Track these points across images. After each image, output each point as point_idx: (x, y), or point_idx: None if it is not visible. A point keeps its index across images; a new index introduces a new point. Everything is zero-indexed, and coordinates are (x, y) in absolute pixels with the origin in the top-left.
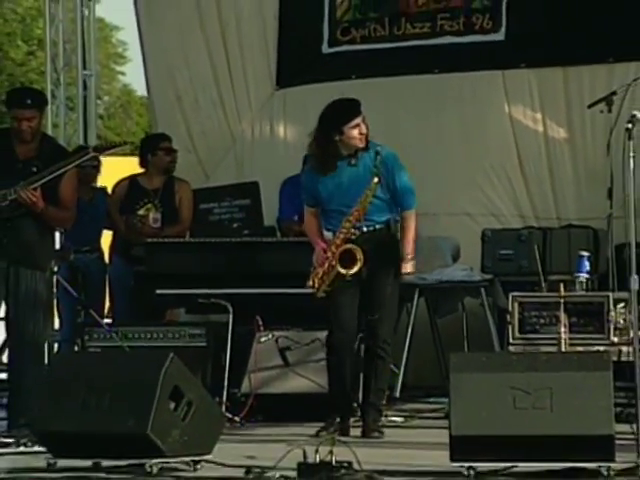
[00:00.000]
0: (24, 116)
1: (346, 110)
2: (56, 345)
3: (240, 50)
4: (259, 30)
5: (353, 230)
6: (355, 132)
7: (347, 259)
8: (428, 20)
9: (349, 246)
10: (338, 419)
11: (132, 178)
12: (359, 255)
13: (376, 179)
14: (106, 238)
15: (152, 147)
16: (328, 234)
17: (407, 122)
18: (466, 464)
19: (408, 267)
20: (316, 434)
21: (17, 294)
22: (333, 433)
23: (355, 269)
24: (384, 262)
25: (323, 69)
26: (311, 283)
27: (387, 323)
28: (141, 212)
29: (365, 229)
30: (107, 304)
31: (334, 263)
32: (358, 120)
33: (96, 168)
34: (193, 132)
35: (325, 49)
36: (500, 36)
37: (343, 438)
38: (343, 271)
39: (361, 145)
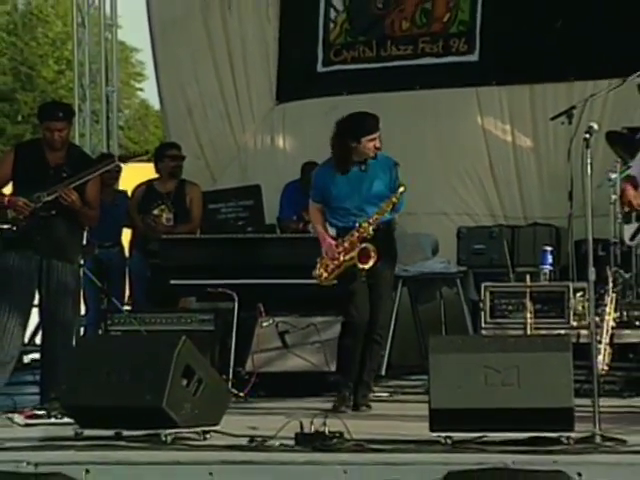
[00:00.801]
0: (56, 127)
1: (369, 123)
2: (82, 329)
3: (244, 69)
4: (261, 51)
5: (372, 231)
6: (371, 144)
7: (364, 255)
8: (411, 43)
9: (367, 245)
10: (347, 393)
11: (149, 183)
12: (374, 253)
13: (402, 188)
14: (126, 235)
15: (160, 154)
16: (331, 229)
17: (392, 133)
18: (443, 434)
19: None
20: (333, 408)
21: (49, 284)
22: (347, 407)
23: (371, 264)
24: (385, 258)
25: (318, 86)
26: (318, 272)
27: (385, 312)
28: (155, 212)
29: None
30: (127, 293)
31: (348, 258)
32: (376, 135)
33: (117, 173)
34: (202, 141)
35: (320, 68)
36: (474, 57)
37: (346, 409)
38: (361, 266)
39: (372, 155)
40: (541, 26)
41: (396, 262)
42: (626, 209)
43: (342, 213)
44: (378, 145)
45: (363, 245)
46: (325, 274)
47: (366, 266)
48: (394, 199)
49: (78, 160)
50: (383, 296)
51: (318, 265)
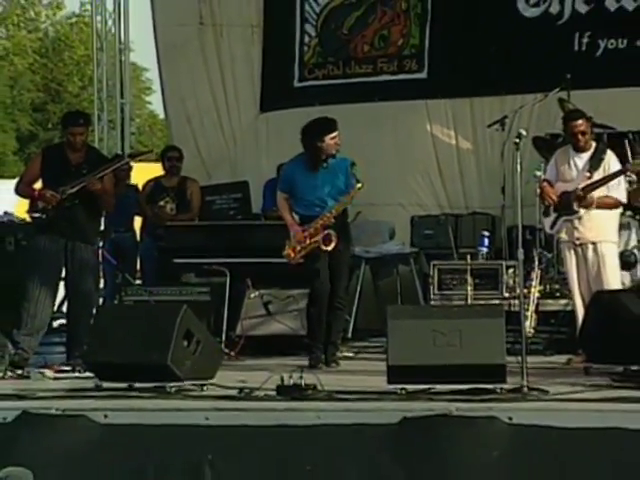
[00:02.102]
0: (77, 132)
1: (329, 124)
2: (101, 299)
3: (233, 84)
4: (247, 69)
5: (333, 220)
6: (333, 142)
7: (327, 239)
8: (371, 63)
9: (330, 231)
10: (319, 353)
11: (156, 179)
12: (335, 238)
13: (359, 185)
14: (138, 222)
15: (163, 155)
16: (295, 217)
17: (356, 138)
18: (399, 386)
19: None
20: (309, 365)
21: (73, 262)
22: (320, 364)
23: (332, 246)
24: (342, 242)
25: (294, 99)
26: (287, 253)
27: (343, 284)
28: (161, 203)
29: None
30: (138, 270)
31: (313, 241)
32: (336, 134)
33: (129, 171)
34: (199, 144)
35: (296, 84)
36: (423, 75)
37: (320, 366)
38: (324, 248)
39: (333, 152)
40: (478, 50)
41: (351, 244)
42: (546, 203)
43: (306, 204)
44: (339, 142)
45: (326, 232)
46: (293, 254)
47: (328, 248)
48: (352, 192)
49: (95, 159)
50: (342, 272)
51: (287, 247)
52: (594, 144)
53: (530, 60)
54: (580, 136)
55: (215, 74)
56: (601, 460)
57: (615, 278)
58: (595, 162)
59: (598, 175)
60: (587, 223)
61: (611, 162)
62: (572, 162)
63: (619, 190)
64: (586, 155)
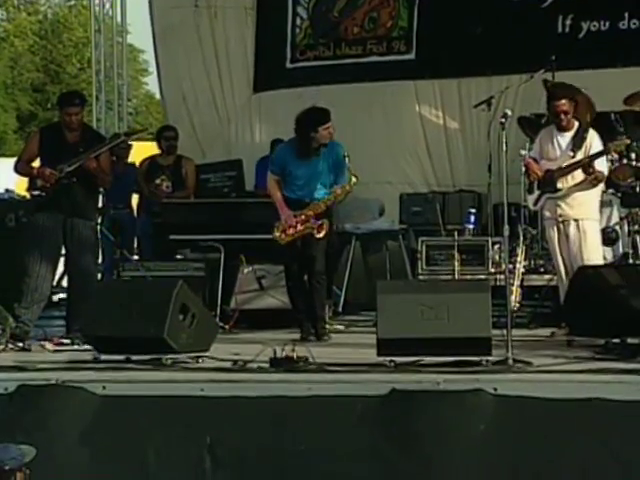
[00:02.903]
0: (73, 112)
1: (322, 115)
2: (100, 274)
3: (228, 65)
4: (241, 51)
5: (324, 208)
6: (326, 132)
7: (320, 227)
8: (360, 44)
9: (325, 220)
10: (310, 326)
11: (153, 157)
12: (326, 227)
13: (354, 179)
14: (135, 199)
15: (159, 135)
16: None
17: (346, 118)
18: (388, 358)
19: None
20: (300, 338)
21: (72, 238)
22: (311, 337)
23: (323, 234)
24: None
25: (287, 79)
26: (277, 234)
27: (320, 262)
28: (157, 182)
29: None
30: (135, 246)
31: (304, 228)
32: (329, 124)
33: (128, 149)
34: (195, 123)
35: (288, 65)
36: (412, 56)
37: (311, 338)
38: (317, 235)
39: (326, 142)
40: (465, 31)
41: (333, 224)
42: (531, 179)
43: (295, 189)
44: (332, 131)
45: (321, 221)
46: (283, 236)
47: (320, 235)
48: (347, 187)
49: (91, 138)
50: (318, 250)
51: (276, 229)
52: (577, 124)
53: (515, 41)
54: (562, 115)
55: (210, 55)
56: (583, 430)
57: (596, 254)
58: (578, 141)
59: (580, 154)
60: (569, 201)
61: (593, 142)
62: (555, 141)
63: (602, 164)
64: (569, 134)
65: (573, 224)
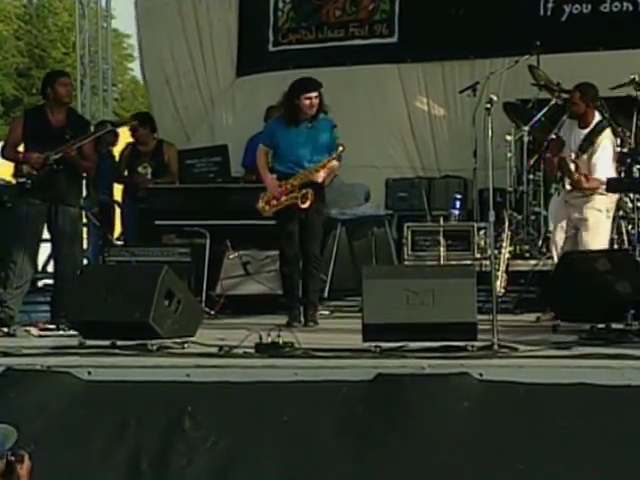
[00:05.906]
0: (68, 81)
1: (307, 84)
2: (85, 260)
3: (211, 48)
4: (224, 34)
5: (311, 178)
6: (307, 102)
7: (304, 197)
8: (342, 28)
9: (308, 189)
10: (297, 311)
11: (133, 143)
12: (311, 196)
13: (341, 148)
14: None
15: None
16: (274, 177)
17: (328, 100)
18: (374, 343)
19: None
20: (286, 324)
21: (57, 224)
22: (297, 322)
23: (308, 204)
24: (317, 201)
25: (269, 62)
26: (261, 206)
27: (316, 245)
28: (140, 169)
29: None
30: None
31: (290, 197)
32: (312, 95)
33: (116, 136)
34: (178, 106)
35: (270, 48)
36: (394, 39)
37: (297, 324)
38: (301, 205)
39: (309, 113)
40: (448, 14)
41: (325, 207)
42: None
43: (286, 161)
44: (314, 104)
45: (305, 190)
46: (267, 207)
47: (304, 206)
48: (335, 156)
49: (76, 122)
50: (314, 234)
51: (261, 199)
52: (595, 122)
53: (498, 24)
54: (570, 105)
55: (193, 38)
56: (568, 415)
57: (594, 245)
58: (587, 144)
59: (585, 157)
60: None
61: (600, 147)
62: (573, 135)
63: (601, 172)
64: (585, 132)
65: (577, 211)
